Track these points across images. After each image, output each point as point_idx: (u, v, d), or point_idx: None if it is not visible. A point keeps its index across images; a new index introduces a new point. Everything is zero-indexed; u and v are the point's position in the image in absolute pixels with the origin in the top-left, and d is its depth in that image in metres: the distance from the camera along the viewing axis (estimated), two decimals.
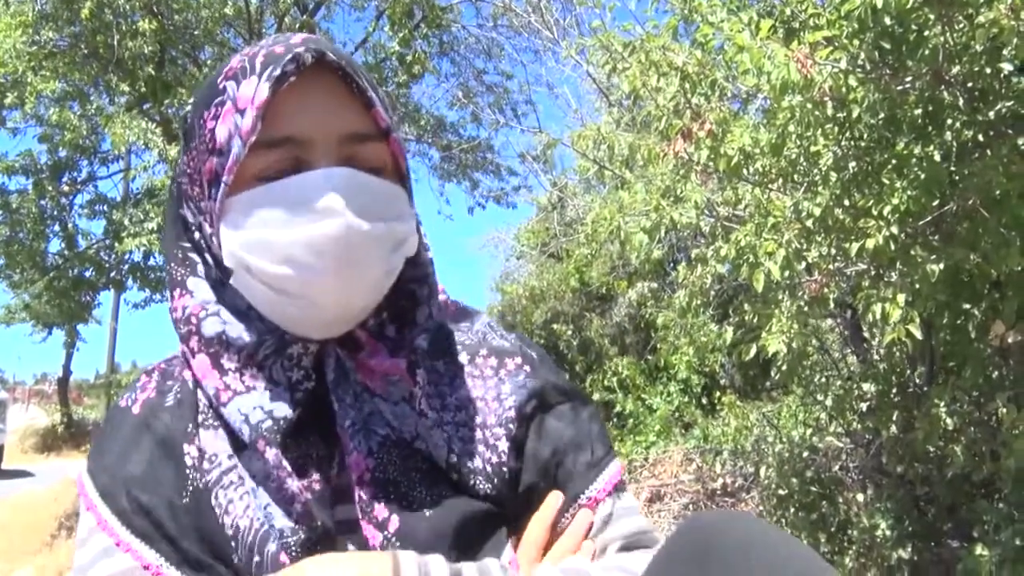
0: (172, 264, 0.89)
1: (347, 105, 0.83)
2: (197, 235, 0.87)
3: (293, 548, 0.80)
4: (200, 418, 0.86)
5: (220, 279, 0.86)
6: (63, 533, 7.85)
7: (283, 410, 0.83)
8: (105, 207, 10.38)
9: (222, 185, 0.81)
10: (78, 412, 19.32)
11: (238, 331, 0.84)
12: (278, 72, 0.79)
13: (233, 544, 0.81)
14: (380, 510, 0.81)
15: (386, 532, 0.81)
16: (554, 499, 0.89)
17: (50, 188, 9.76)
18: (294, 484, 0.81)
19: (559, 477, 0.91)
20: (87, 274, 10.75)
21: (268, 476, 0.82)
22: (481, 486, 0.86)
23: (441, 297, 0.97)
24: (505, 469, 0.88)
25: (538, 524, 0.88)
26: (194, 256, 0.88)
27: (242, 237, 0.81)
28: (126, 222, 9.17)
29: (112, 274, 10.68)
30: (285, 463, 0.81)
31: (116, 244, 9.33)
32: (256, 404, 0.83)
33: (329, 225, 0.78)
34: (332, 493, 0.83)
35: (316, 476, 0.83)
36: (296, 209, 0.79)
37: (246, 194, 0.81)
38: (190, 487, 0.84)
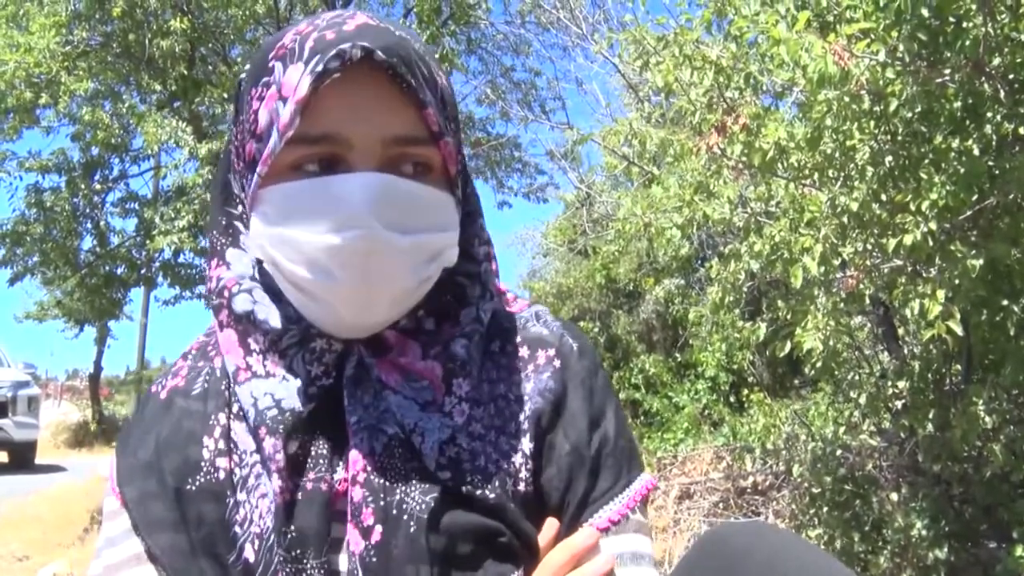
0: (214, 232, 0.86)
1: (395, 105, 0.77)
2: (240, 208, 0.85)
3: (267, 550, 0.78)
4: (235, 408, 0.84)
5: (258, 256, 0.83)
6: (95, 527, 7.94)
7: (292, 402, 0.79)
8: (136, 205, 10.50)
9: (256, 175, 0.79)
10: (109, 408, 19.54)
11: (266, 313, 0.82)
12: (320, 68, 0.74)
13: (239, 544, 0.80)
14: (367, 515, 0.77)
15: (367, 543, 0.76)
16: (588, 533, 0.82)
17: (83, 186, 9.88)
18: (276, 482, 0.78)
19: (573, 498, 0.84)
20: (118, 271, 10.88)
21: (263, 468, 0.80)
22: (483, 492, 0.79)
23: (509, 296, 0.94)
24: (514, 479, 0.83)
25: (564, 551, 0.81)
26: (238, 224, 0.85)
27: (270, 231, 0.78)
28: (157, 220, 9.25)
29: (143, 271, 10.80)
30: (279, 456, 0.78)
31: (147, 242, 9.42)
32: (268, 391, 0.80)
33: (353, 236, 0.74)
34: (327, 496, 0.78)
35: (311, 475, 0.78)
36: (324, 213, 0.75)
37: (277, 189, 0.78)
38: (201, 478, 0.82)
